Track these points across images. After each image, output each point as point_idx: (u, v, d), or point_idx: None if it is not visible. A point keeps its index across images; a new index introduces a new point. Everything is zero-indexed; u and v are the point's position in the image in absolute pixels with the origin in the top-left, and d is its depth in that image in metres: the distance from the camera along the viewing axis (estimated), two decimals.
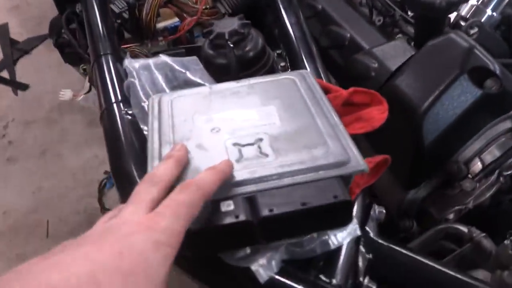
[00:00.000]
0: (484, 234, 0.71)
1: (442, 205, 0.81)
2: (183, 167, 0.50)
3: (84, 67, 1.21)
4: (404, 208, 0.83)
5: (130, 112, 0.69)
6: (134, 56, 1.01)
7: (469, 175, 0.77)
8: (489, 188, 0.77)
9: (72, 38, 1.16)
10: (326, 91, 0.68)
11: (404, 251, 0.60)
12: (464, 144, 0.76)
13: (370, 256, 0.57)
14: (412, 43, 0.86)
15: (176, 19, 1.19)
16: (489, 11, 0.89)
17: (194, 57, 0.78)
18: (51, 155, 2.16)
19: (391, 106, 0.65)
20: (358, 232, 0.52)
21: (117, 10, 1.11)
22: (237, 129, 0.57)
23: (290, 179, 0.50)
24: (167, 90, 0.70)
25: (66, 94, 1.21)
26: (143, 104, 0.67)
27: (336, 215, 0.48)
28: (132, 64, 0.71)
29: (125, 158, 0.63)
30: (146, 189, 0.45)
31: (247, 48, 0.80)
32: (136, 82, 0.69)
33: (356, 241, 0.56)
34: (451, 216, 0.81)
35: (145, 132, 0.66)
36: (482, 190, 0.77)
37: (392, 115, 0.65)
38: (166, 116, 0.61)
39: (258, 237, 0.48)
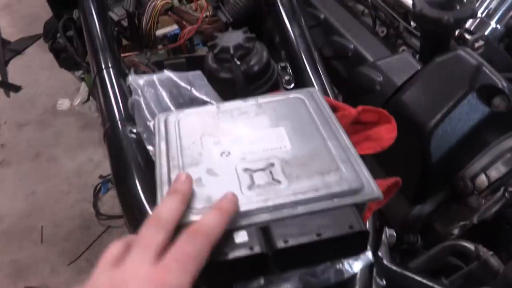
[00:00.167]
0: (491, 253, 0.71)
1: (447, 220, 0.81)
2: (189, 201, 0.49)
3: (82, 76, 1.19)
4: (409, 223, 0.83)
5: (134, 131, 0.68)
6: (134, 65, 1.00)
7: (475, 191, 0.77)
8: (494, 204, 0.77)
9: (70, 46, 1.14)
10: (334, 109, 0.67)
11: (417, 278, 0.60)
12: (471, 161, 0.75)
13: (384, 282, 0.56)
14: (417, 56, 0.85)
15: (175, 27, 1.17)
16: (493, 24, 0.89)
17: (199, 72, 0.77)
18: (45, 158, 2.13)
19: (397, 121, 0.65)
20: (372, 259, 0.51)
21: (116, 18, 1.09)
22: (247, 152, 0.56)
23: (304, 208, 0.49)
24: (173, 108, 0.69)
25: (64, 103, 1.20)
26: (148, 123, 0.66)
27: (351, 245, 0.48)
28: (136, 81, 0.69)
29: (132, 181, 0.62)
30: (153, 233, 0.44)
31: (252, 63, 0.79)
32: (141, 100, 0.67)
33: (369, 268, 0.55)
34: (456, 231, 0.81)
35: (151, 153, 0.64)
36: (487, 206, 0.77)
37: (398, 131, 0.65)
38: (174, 137, 0.60)
39: (272, 267, 0.47)
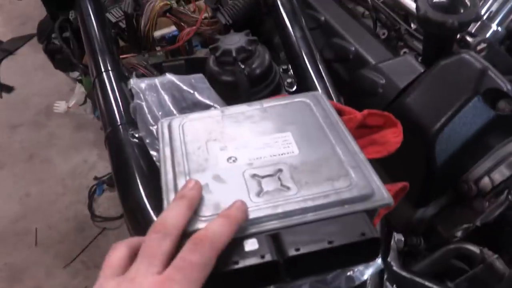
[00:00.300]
0: (496, 256, 0.71)
1: (450, 223, 0.80)
2: (196, 208, 0.48)
3: (80, 77, 1.18)
4: (412, 226, 0.83)
5: (137, 135, 0.67)
6: (132, 67, 0.99)
7: (479, 195, 0.77)
8: (498, 207, 0.77)
9: (66, 48, 1.12)
10: (339, 113, 0.66)
11: (428, 284, 0.59)
12: (475, 164, 0.75)
13: None
14: (419, 59, 0.85)
15: (173, 28, 1.16)
16: (494, 26, 0.89)
17: (200, 75, 0.76)
18: (38, 160, 2.11)
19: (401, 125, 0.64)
20: (382, 265, 0.51)
21: (113, 20, 1.08)
22: (254, 158, 0.55)
23: (315, 215, 0.48)
24: (175, 112, 0.68)
25: (61, 106, 1.18)
26: (151, 128, 0.65)
27: (363, 252, 0.47)
28: (138, 84, 0.68)
29: (135, 186, 0.61)
30: (158, 241, 0.43)
31: (254, 65, 0.78)
32: (144, 104, 0.66)
33: (380, 274, 0.55)
34: (459, 234, 0.81)
35: (154, 158, 0.63)
36: (491, 209, 0.77)
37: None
38: (178, 142, 0.59)
39: (283, 275, 0.47)
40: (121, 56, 0.99)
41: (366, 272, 0.50)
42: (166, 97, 0.69)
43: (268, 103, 0.65)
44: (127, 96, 0.73)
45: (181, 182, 0.53)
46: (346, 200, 0.49)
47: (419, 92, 0.75)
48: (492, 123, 0.71)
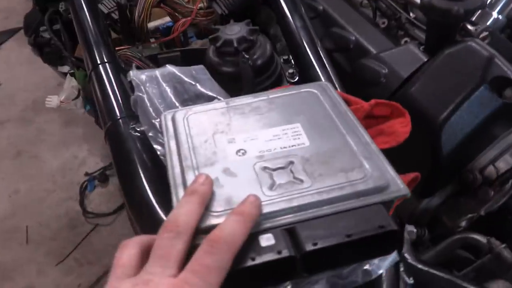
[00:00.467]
0: (504, 245, 0.70)
1: (455, 213, 0.80)
2: (208, 203, 0.47)
3: (71, 71, 1.14)
4: (416, 217, 0.82)
5: (138, 129, 0.64)
6: (127, 59, 0.96)
7: (484, 184, 0.76)
8: (503, 195, 0.77)
9: (57, 41, 1.09)
10: (346, 103, 0.65)
11: (445, 276, 0.58)
12: (480, 153, 0.75)
13: (411, 280, 0.55)
14: (421, 48, 0.84)
15: (168, 19, 1.14)
16: (495, 14, 0.88)
17: (201, 66, 0.74)
18: (27, 156, 2.07)
19: None
20: (398, 258, 0.50)
21: (105, 11, 1.05)
22: (264, 150, 0.54)
23: (330, 207, 0.47)
24: (177, 104, 0.66)
25: (53, 100, 1.14)
26: (154, 121, 0.63)
27: (382, 245, 0.46)
28: (138, 76, 0.66)
29: (140, 183, 0.59)
30: (171, 240, 0.42)
31: (255, 56, 0.77)
32: (145, 97, 0.64)
33: (395, 267, 0.54)
34: (463, 223, 0.80)
35: (158, 152, 0.61)
36: (496, 198, 0.77)
37: None
38: (184, 136, 0.57)
39: (300, 270, 0.45)
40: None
41: (383, 265, 0.49)
42: (168, 89, 0.67)
43: (274, 94, 0.63)
44: (127, 89, 0.70)
45: (189, 177, 0.51)
46: (362, 192, 0.48)
47: (424, 81, 0.74)
48: (499, 112, 0.70)
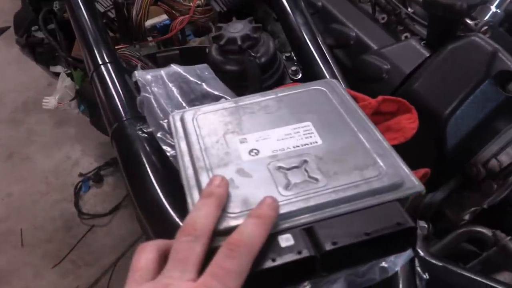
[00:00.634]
0: (509, 238, 0.71)
1: (459, 207, 0.80)
2: (224, 206, 0.46)
3: (68, 71, 1.13)
4: (420, 211, 0.83)
5: (146, 130, 0.64)
6: (125, 58, 0.95)
7: (488, 177, 0.77)
8: (506, 188, 0.78)
9: (53, 41, 1.07)
10: (354, 100, 0.65)
11: (460, 271, 0.59)
12: (483, 147, 0.75)
13: (427, 276, 0.55)
14: (422, 43, 0.84)
15: (164, 17, 1.13)
16: (493, 8, 0.88)
17: (205, 65, 0.73)
18: (19, 158, 2.04)
19: None
20: (412, 254, 0.50)
21: (102, 9, 1.03)
22: (277, 150, 0.53)
23: (347, 206, 0.47)
24: (184, 104, 0.66)
25: (50, 102, 1.13)
26: (161, 122, 0.62)
27: (400, 242, 0.46)
28: (144, 76, 0.65)
29: (151, 184, 0.58)
30: (189, 244, 0.42)
31: (259, 54, 0.76)
32: (151, 97, 0.63)
33: (410, 263, 0.54)
34: (467, 217, 0.81)
35: (168, 153, 0.61)
36: (500, 191, 0.77)
37: None
38: (194, 136, 0.56)
39: (319, 270, 0.45)
40: None
41: (398, 262, 0.49)
42: (174, 89, 0.66)
43: (282, 92, 0.63)
44: (132, 89, 0.69)
45: (203, 178, 0.51)
46: (377, 190, 0.48)
47: (428, 77, 0.75)
48: (502, 106, 0.71)
